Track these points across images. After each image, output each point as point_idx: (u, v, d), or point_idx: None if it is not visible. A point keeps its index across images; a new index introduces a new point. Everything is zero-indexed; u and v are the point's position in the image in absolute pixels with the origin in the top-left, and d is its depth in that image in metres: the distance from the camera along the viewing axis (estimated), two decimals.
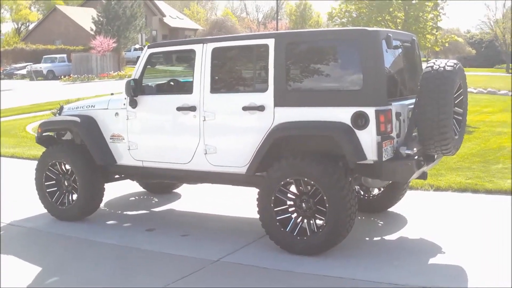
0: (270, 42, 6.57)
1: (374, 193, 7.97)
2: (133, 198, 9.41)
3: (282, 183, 6.39)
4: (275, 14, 67.28)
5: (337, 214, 6.12)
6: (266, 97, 6.56)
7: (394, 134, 6.18)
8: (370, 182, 6.98)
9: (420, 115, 6.23)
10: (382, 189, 7.85)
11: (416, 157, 6.25)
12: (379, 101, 6.05)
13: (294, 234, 6.40)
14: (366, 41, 6.15)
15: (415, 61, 7.21)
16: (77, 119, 7.85)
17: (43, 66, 50.97)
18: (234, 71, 7.28)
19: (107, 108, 7.79)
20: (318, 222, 6.38)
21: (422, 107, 6.21)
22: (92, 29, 54.57)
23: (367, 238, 6.99)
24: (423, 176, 6.83)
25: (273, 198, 6.44)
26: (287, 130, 6.44)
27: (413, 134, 6.38)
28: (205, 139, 6.97)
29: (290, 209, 6.49)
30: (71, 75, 46.48)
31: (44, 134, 8.30)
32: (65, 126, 8.11)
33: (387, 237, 7.01)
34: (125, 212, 8.54)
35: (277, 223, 6.45)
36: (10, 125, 19.05)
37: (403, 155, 6.18)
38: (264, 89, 6.59)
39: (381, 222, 7.62)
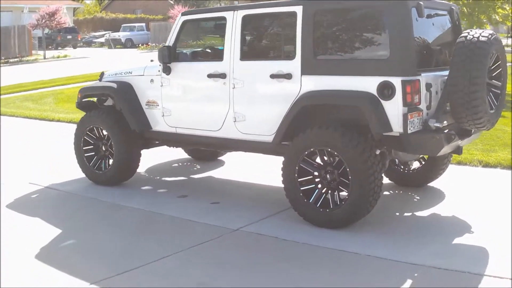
0: (298, 10, 6.38)
1: (413, 167, 7.71)
2: (176, 165, 9.46)
3: (306, 152, 6.25)
4: None
5: (359, 187, 5.93)
6: (293, 65, 6.40)
7: (422, 106, 5.91)
8: (401, 155, 6.72)
9: (451, 87, 5.92)
10: (422, 163, 7.61)
11: (446, 131, 5.98)
12: (406, 71, 5.78)
13: (317, 205, 6.26)
14: (394, 9, 5.87)
15: (455, 32, 6.84)
16: (114, 85, 7.93)
17: (121, 35, 51.95)
18: (263, 39, 7.16)
19: (143, 75, 7.82)
20: (343, 194, 6.22)
21: (453, 78, 5.87)
22: None
23: (397, 214, 6.77)
24: (458, 150, 6.57)
25: (297, 168, 6.31)
26: (313, 99, 6.27)
27: (447, 107, 6.10)
28: (235, 106, 6.90)
29: (314, 180, 6.34)
30: (149, 43, 47.11)
31: (83, 100, 8.41)
32: (102, 92, 8.21)
33: (418, 213, 6.75)
34: (163, 178, 8.60)
35: (301, 194, 6.32)
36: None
37: (432, 128, 5.89)
38: (292, 57, 6.44)
39: (417, 197, 7.36)
